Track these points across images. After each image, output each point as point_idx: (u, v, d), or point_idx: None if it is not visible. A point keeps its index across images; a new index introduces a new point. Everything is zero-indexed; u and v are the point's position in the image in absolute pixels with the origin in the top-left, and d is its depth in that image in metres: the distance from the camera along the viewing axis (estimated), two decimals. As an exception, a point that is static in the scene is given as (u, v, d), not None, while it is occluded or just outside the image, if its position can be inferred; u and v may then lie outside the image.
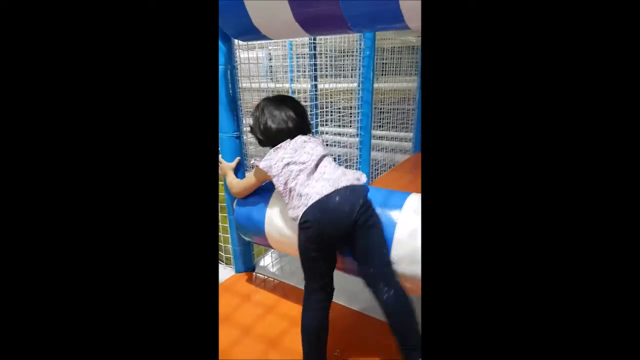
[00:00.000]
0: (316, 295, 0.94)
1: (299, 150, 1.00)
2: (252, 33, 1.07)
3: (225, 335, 1.09)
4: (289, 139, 1.04)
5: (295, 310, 1.22)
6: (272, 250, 1.50)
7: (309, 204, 0.91)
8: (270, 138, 1.05)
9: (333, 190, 0.91)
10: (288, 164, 0.98)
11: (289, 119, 1.04)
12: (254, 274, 1.45)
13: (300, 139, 1.04)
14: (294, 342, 1.05)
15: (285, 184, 0.98)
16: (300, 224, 0.92)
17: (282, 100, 1.07)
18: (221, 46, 1.15)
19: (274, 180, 1.00)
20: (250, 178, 1.11)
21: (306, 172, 0.97)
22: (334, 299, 1.24)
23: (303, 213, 0.91)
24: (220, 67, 1.18)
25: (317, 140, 1.05)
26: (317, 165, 0.98)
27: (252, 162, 1.09)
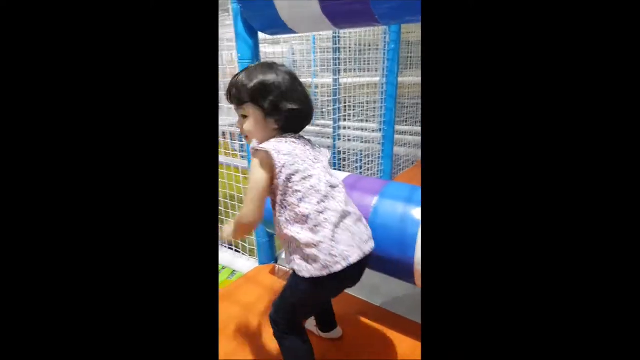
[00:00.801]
0: (302, 330, 0.84)
1: (302, 154, 0.76)
2: (278, 27, 1.08)
3: (249, 324, 1.12)
4: (292, 133, 0.80)
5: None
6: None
7: (345, 265, 0.72)
8: (290, 125, 0.79)
9: (362, 257, 0.76)
10: (292, 174, 0.74)
11: (307, 101, 0.79)
12: (276, 265, 1.47)
13: (303, 140, 0.81)
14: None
15: (287, 199, 0.75)
16: (325, 278, 0.73)
17: (294, 75, 0.79)
18: (247, 40, 1.16)
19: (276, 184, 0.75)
20: (256, 179, 0.74)
21: (323, 198, 0.75)
22: (355, 294, 1.24)
23: (335, 272, 0.72)
24: (246, 62, 1.19)
25: (319, 147, 0.85)
26: (333, 194, 0.77)
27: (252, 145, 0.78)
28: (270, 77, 0.77)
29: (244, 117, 0.79)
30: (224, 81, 1.36)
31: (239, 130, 0.83)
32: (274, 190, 0.77)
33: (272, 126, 0.79)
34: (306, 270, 0.74)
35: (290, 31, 1.09)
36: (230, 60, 2.08)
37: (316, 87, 3.08)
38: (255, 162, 0.75)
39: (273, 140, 0.77)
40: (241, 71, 0.80)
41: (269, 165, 0.74)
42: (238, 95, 0.78)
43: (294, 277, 0.77)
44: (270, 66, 0.79)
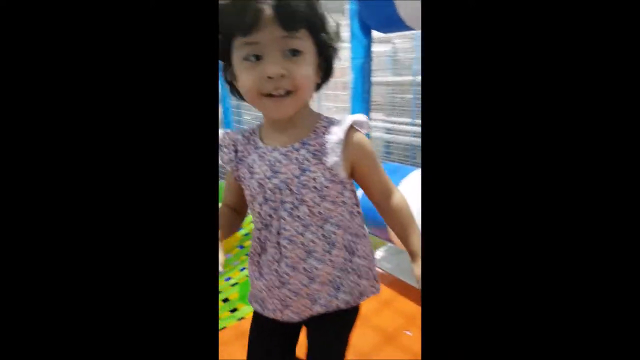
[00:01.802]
0: None
1: None
2: (395, 24, 1.06)
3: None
4: None
5: (410, 306, 1.20)
6: (389, 244, 1.48)
7: None
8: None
9: None
10: None
11: None
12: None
13: None
14: (411, 339, 1.03)
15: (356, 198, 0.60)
16: None
17: None
18: (362, 39, 1.17)
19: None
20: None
21: None
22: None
23: None
24: (359, 60, 1.21)
25: None
26: None
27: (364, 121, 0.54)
28: None
29: (294, 53, 0.46)
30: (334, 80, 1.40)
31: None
32: (352, 191, 0.56)
33: (315, 79, 0.51)
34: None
35: (407, 28, 1.07)
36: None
37: (417, 84, 2.96)
38: (366, 141, 0.53)
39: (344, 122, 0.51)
40: None
41: None
42: (293, 12, 0.44)
43: (347, 315, 0.58)
44: None
